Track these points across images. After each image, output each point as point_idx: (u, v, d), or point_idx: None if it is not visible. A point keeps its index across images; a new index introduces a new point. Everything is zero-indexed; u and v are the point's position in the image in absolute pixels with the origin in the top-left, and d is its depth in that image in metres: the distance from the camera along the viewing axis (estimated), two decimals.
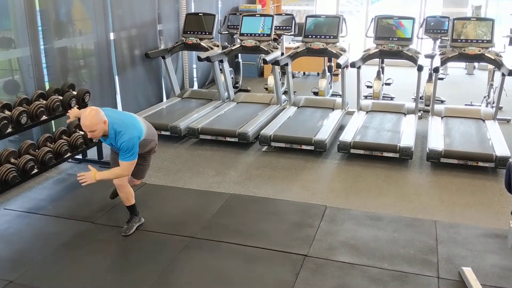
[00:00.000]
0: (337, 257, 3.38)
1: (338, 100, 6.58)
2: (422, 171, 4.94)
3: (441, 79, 7.50)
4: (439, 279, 3.15)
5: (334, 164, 5.16)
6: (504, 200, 4.23)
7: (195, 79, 8.42)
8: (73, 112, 3.87)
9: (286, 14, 8.19)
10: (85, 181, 3.39)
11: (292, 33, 7.91)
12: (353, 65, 6.06)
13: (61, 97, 4.70)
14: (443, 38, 7.48)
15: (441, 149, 4.92)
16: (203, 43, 6.87)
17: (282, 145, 5.40)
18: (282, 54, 6.80)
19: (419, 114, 6.43)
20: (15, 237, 3.70)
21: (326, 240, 3.60)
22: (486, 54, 5.89)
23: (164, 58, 6.82)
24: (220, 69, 6.82)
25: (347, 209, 4.11)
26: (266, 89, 7.76)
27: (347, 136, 5.32)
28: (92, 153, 5.17)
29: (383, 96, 7.38)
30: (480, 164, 4.81)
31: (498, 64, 5.81)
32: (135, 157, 3.45)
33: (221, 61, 6.66)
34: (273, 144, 5.42)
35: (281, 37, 7.88)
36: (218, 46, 6.91)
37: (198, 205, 4.21)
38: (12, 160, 4.11)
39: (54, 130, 4.89)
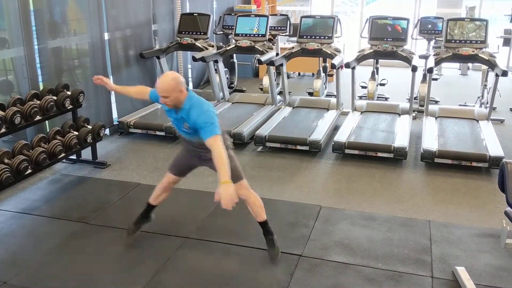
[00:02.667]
0: (332, 257, 3.39)
1: (333, 100, 6.59)
2: (416, 171, 4.95)
3: (435, 79, 7.54)
4: (433, 278, 3.16)
5: (329, 164, 5.17)
6: (497, 200, 4.25)
7: (190, 79, 8.42)
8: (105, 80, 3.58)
9: (281, 15, 8.21)
10: (230, 206, 2.73)
11: (287, 33, 7.93)
12: (347, 65, 6.08)
13: (55, 97, 4.69)
14: (437, 38, 7.51)
15: (435, 149, 4.94)
16: (198, 43, 6.87)
17: (277, 145, 5.40)
18: (277, 54, 6.80)
19: (413, 114, 6.45)
20: (9, 237, 3.68)
21: (321, 240, 3.61)
22: (480, 55, 5.92)
23: (158, 58, 6.81)
24: (215, 70, 6.82)
25: (341, 209, 4.12)
26: (261, 89, 7.76)
27: (341, 136, 5.33)
28: (86, 153, 5.16)
29: (377, 97, 7.40)
30: (474, 164, 4.83)
31: (492, 65, 5.85)
32: (220, 131, 2.91)
33: (216, 61, 6.66)
34: (268, 144, 5.42)
35: (276, 38, 7.89)
36: (213, 46, 6.91)
37: (193, 205, 4.20)
38: (6, 160, 4.09)
39: (48, 130, 4.87)
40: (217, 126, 2.91)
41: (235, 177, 3.10)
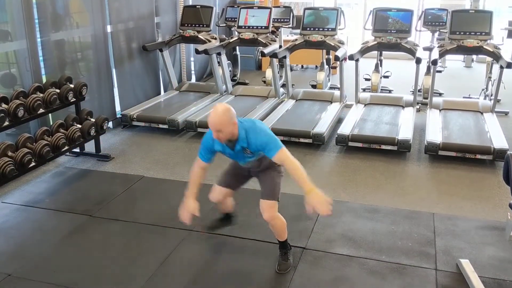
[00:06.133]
0: (335, 250, 3.39)
1: (336, 93, 6.57)
2: (420, 164, 4.94)
3: (439, 71, 7.49)
4: (437, 271, 3.16)
5: (332, 157, 5.15)
6: (502, 192, 4.24)
7: (193, 72, 8.40)
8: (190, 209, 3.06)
9: (284, 6, 8.16)
10: (329, 210, 2.70)
11: (290, 25, 7.89)
12: (351, 57, 6.05)
13: (58, 90, 4.68)
14: (441, 30, 7.46)
15: (439, 141, 4.92)
16: (200, 36, 6.84)
17: (281, 138, 5.24)
18: (280, 46, 6.77)
19: (417, 107, 6.43)
20: (13, 230, 3.70)
21: (324, 233, 3.61)
22: (484, 47, 5.88)
23: (161, 51, 6.79)
24: (218, 62, 6.80)
25: (345, 201, 4.11)
26: (264, 82, 7.74)
27: (345, 129, 5.32)
28: (89, 146, 5.16)
29: (381, 89, 7.37)
30: (478, 156, 4.81)
31: (496, 57, 5.81)
32: (280, 143, 2.90)
33: (219, 54, 6.64)
34: None
35: (279, 30, 7.85)
36: (215, 38, 6.88)
37: (197, 198, 4.20)
38: (9, 153, 4.09)
39: (51, 123, 4.87)
40: (277, 140, 2.90)
41: (273, 195, 3.08)
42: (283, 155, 2.83)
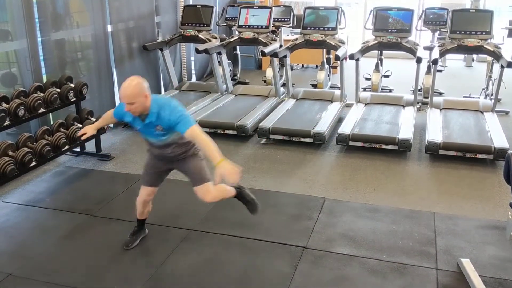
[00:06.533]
0: (336, 249, 3.39)
1: (337, 92, 6.57)
2: (420, 163, 4.94)
3: (440, 71, 7.49)
4: (438, 270, 3.15)
5: (333, 156, 5.15)
6: (502, 191, 4.24)
7: (193, 71, 8.40)
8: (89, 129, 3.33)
9: (285, 6, 8.16)
10: (237, 178, 2.75)
11: (291, 25, 7.89)
12: (352, 57, 6.05)
13: (58, 90, 4.69)
14: (442, 30, 7.46)
15: (439, 141, 4.92)
16: (201, 35, 6.84)
17: (281, 137, 5.39)
18: (281, 46, 6.77)
19: (418, 106, 6.43)
20: (14, 229, 3.69)
21: (325, 232, 3.61)
22: (485, 46, 5.88)
23: (162, 50, 6.79)
24: (218, 62, 6.80)
25: (345, 201, 4.11)
26: (265, 81, 7.74)
27: (345, 128, 5.31)
28: (90, 146, 5.16)
29: (381, 88, 7.37)
30: (479, 156, 4.81)
31: (497, 56, 5.81)
32: (194, 121, 2.93)
33: (219, 53, 6.64)
34: (271, 136, 5.41)
35: (280, 29, 7.85)
36: (216, 38, 6.88)
37: (197, 198, 4.19)
38: (10, 153, 4.09)
39: (52, 122, 4.87)
40: (191, 118, 2.94)
41: (203, 179, 3.17)
42: (195, 131, 2.87)
